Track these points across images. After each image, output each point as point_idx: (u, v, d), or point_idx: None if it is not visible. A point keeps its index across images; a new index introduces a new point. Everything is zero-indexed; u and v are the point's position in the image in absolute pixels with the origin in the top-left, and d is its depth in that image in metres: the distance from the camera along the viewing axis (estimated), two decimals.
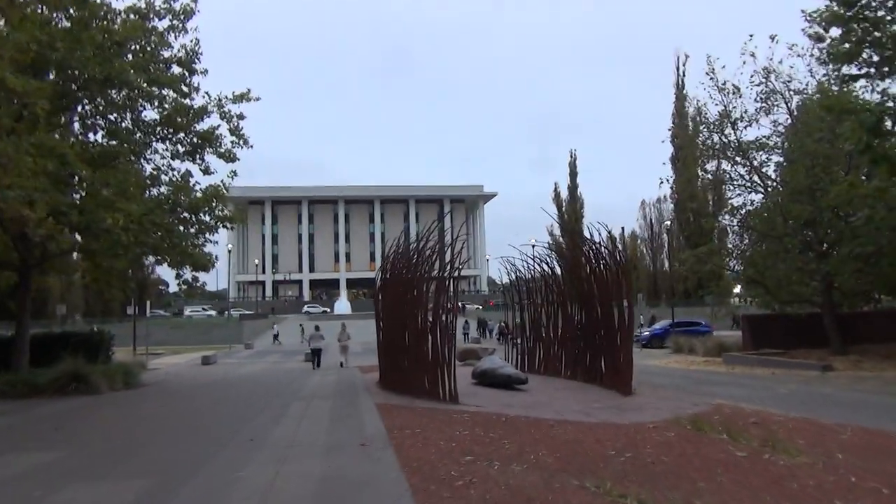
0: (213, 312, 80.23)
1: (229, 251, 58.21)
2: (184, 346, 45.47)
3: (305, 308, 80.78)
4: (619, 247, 15.25)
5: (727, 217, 23.88)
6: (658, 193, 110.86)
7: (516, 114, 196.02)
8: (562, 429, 8.98)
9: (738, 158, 24.25)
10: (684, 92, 68.30)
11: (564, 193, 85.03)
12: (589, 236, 15.16)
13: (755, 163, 23.58)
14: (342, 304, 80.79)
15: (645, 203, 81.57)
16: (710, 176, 33.20)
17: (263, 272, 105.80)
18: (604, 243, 14.75)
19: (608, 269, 14.97)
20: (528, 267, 19.88)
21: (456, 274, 13.61)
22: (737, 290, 58.10)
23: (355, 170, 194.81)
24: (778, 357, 21.80)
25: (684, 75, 66.70)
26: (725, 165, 24.90)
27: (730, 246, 26.25)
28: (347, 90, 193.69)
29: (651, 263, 76.84)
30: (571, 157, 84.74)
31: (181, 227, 18.08)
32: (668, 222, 59.99)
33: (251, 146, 20.99)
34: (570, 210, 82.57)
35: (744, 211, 23.31)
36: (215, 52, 22.01)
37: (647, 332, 35.31)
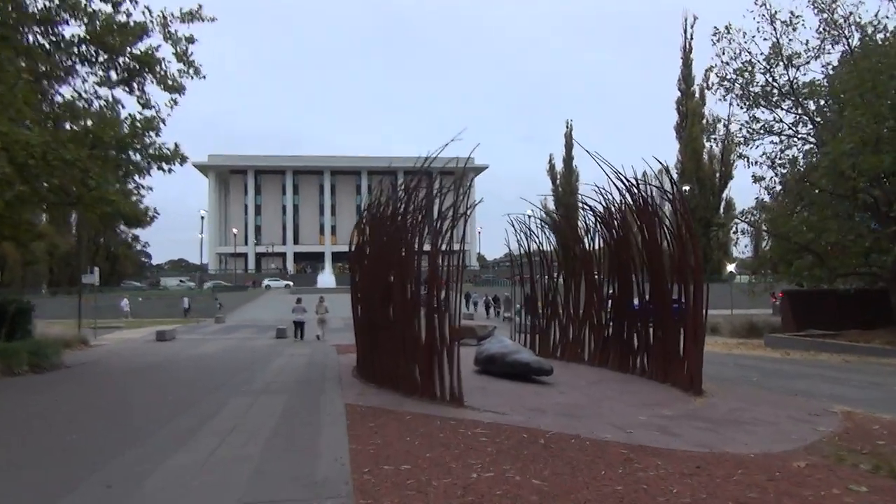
0: (192, 284, 76.38)
1: (202, 217, 53.98)
2: (149, 320, 41.52)
3: (266, 282, 76.22)
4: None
5: (783, 169, 20.09)
6: (659, 165, 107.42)
7: (510, 89, 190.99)
8: (650, 466, 5.30)
9: (784, 105, 20.53)
10: (691, 56, 65.03)
11: (559, 167, 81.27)
12: (635, 183, 11.42)
13: (808, 108, 19.88)
14: (326, 278, 76.67)
15: (647, 175, 77.71)
16: (717, 143, 29.70)
17: (245, 244, 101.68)
18: (666, 194, 11.09)
19: (666, 231, 11.30)
20: (543, 229, 16.25)
21: (461, 226, 9.86)
22: (731, 267, 54.59)
23: (343, 142, 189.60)
24: (832, 340, 18.35)
25: (692, 38, 62.98)
26: (764, 114, 21.03)
27: (765, 209, 22.55)
28: (337, 61, 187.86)
29: (639, 254, 73.40)
30: (567, 127, 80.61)
31: (105, 169, 14.15)
32: (687, 187, 55.98)
33: (203, 76, 17.06)
34: (566, 183, 79.00)
35: (798, 166, 19.52)
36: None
37: None
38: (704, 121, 53.41)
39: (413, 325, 9.43)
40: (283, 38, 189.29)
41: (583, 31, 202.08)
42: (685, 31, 62.92)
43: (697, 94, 61.87)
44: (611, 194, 12.72)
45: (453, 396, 8.69)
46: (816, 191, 18.42)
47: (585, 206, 13.82)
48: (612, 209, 12.79)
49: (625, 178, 11.52)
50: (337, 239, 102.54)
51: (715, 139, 26.81)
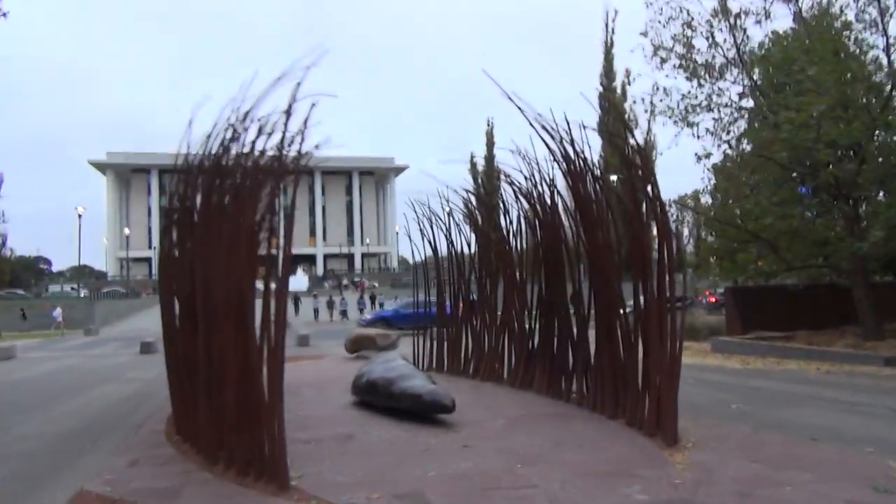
0: (85, 293, 69.11)
1: (80, 216, 47.69)
2: (10, 333, 35.71)
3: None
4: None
5: (733, 144, 17.36)
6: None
7: (432, 91, 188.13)
8: None
9: (728, 75, 17.88)
10: (612, 52, 63.59)
11: (481, 165, 78.75)
12: (568, 134, 8.07)
13: (755, 78, 17.28)
14: (300, 280, 69.77)
15: (572, 171, 76.22)
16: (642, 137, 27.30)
17: (150, 248, 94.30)
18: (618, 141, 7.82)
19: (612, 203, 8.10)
20: (460, 229, 12.90)
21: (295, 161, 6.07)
22: None
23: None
24: (787, 343, 15.71)
25: (613, 32, 61.53)
26: (705, 88, 18.26)
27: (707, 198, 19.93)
28: (251, 53, 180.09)
29: (574, 237, 71.90)
30: (489, 125, 77.82)
31: None
32: (614, 177, 54.11)
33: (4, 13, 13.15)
34: (487, 181, 76.54)
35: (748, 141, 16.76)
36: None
37: (370, 316, 30.01)
38: (626, 116, 51.78)
39: (228, 357, 5.66)
40: (206, 36, 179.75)
41: (502, 33, 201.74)
42: (606, 26, 61.33)
43: (619, 90, 60.67)
44: (536, 162, 9.44)
45: (274, 472, 5.02)
46: (755, 175, 15.81)
47: (505, 178, 10.49)
48: (537, 177, 9.46)
49: (556, 131, 8.16)
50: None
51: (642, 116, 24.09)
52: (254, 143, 5.89)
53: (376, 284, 67.24)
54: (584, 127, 7.75)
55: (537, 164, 9.22)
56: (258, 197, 5.56)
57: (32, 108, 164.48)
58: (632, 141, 7.48)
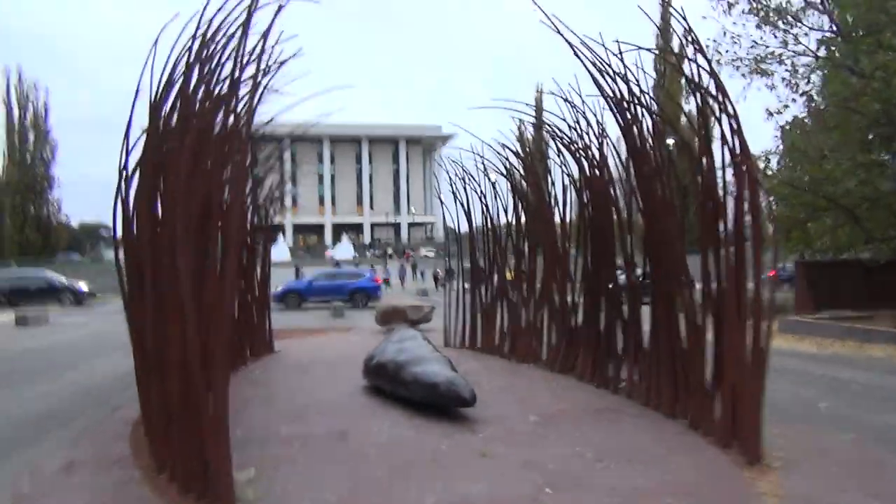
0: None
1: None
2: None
3: (330, 254, 70.86)
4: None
5: (807, 97, 15.34)
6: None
7: (483, 57, 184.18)
8: None
9: (805, 21, 15.78)
10: (669, 10, 60.18)
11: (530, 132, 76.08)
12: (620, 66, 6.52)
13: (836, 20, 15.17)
14: (344, 248, 70.22)
15: (622, 141, 73.48)
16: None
17: None
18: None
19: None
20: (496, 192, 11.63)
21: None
22: None
23: (301, 108, 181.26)
24: (866, 324, 13.78)
25: None
26: (779, 36, 16.16)
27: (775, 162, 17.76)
28: (295, 17, 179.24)
29: (626, 208, 69.47)
30: (538, 91, 75.05)
31: None
32: (671, 140, 51.87)
33: None
34: (537, 148, 74.06)
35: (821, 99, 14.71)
36: None
37: (280, 288, 24.98)
38: (683, 79, 48.73)
39: (175, 328, 4.45)
40: None
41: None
42: None
43: (677, 50, 57.53)
44: (583, 103, 7.90)
45: (219, 494, 3.79)
46: (836, 133, 13.75)
47: (546, 125, 9.07)
48: (583, 125, 7.95)
49: (607, 64, 6.61)
50: (298, 209, 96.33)
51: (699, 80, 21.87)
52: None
53: (431, 253, 66.39)
54: (640, 48, 6.20)
55: (583, 106, 7.72)
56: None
57: (104, 80, 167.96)
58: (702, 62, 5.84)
